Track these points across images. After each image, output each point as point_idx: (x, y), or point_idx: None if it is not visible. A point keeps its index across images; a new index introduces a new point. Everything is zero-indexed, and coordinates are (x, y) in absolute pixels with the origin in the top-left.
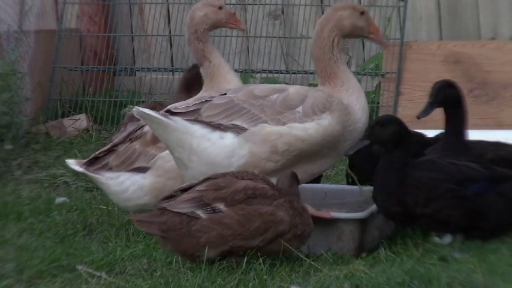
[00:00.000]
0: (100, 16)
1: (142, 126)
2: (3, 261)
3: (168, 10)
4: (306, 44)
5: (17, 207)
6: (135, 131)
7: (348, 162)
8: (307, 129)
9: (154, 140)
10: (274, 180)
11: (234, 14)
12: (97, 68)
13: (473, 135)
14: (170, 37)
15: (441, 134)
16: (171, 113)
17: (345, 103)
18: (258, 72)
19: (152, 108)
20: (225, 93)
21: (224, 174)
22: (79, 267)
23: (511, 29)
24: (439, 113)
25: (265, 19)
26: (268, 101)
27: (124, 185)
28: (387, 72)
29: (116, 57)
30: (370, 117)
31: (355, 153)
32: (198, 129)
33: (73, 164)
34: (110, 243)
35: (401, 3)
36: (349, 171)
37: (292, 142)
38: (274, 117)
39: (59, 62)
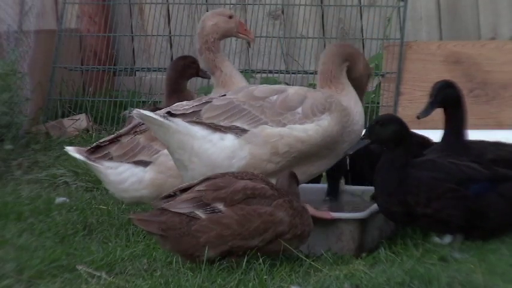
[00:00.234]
0: (100, 16)
1: None
2: (3, 261)
3: (168, 10)
4: (306, 44)
5: (17, 207)
6: (140, 124)
7: (348, 161)
8: (307, 130)
9: None
10: (273, 181)
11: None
12: (97, 68)
13: (473, 135)
14: (170, 37)
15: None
16: (172, 114)
17: (344, 104)
18: (258, 72)
19: (153, 111)
20: (225, 95)
21: (223, 175)
22: (79, 267)
23: (511, 29)
24: (439, 113)
25: (265, 19)
26: (268, 102)
27: (123, 175)
28: (387, 72)
29: (116, 57)
30: (370, 117)
31: (354, 153)
32: (199, 131)
33: (72, 151)
34: (110, 243)
35: (401, 3)
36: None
37: (293, 143)
38: (274, 119)
39: (59, 62)
